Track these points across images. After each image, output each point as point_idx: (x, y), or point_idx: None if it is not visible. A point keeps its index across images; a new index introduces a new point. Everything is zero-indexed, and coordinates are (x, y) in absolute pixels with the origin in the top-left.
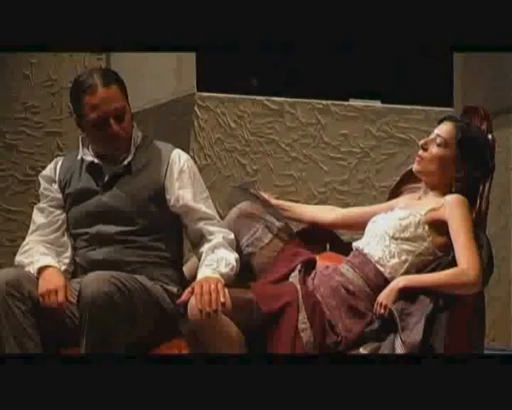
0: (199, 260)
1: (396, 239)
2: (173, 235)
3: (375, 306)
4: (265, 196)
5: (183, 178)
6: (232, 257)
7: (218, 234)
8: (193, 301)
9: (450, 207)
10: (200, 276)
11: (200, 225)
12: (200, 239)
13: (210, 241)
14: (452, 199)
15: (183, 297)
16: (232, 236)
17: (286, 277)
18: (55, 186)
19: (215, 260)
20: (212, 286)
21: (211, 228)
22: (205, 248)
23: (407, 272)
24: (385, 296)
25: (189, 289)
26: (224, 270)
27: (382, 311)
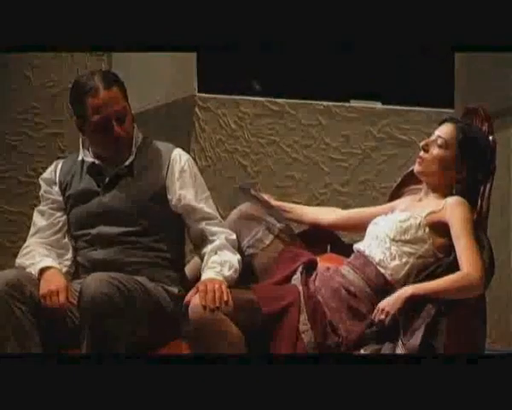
0: (201, 260)
1: (397, 241)
2: (174, 236)
3: (375, 311)
4: (266, 197)
5: (184, 178)
6: (235, 259)
7: (221, 235)
8: (195, 300)
9: (451, 209)
10: (204, 278)
11: (202, 225)
12: (202, 239)
13: (212, 242)
14: (453, 201)
15: (188, 297)
16: (234, 236)
17: (288, 278)
18: (56, 189)
19: (218, 263)
20: (216, 286)
21: (213, 228)
22: (207, 249)
23: (408, 274)
24: (390, 304)
25: (193, 290)
26: (228, 273)
27: (383, 317)
